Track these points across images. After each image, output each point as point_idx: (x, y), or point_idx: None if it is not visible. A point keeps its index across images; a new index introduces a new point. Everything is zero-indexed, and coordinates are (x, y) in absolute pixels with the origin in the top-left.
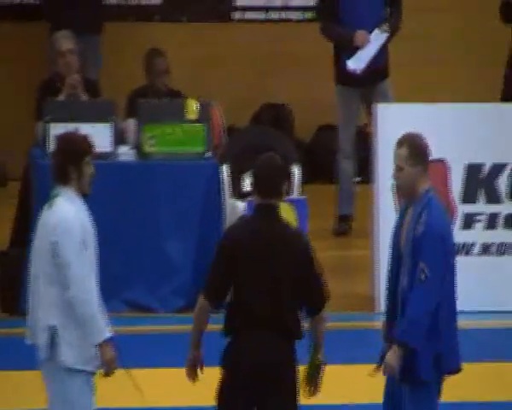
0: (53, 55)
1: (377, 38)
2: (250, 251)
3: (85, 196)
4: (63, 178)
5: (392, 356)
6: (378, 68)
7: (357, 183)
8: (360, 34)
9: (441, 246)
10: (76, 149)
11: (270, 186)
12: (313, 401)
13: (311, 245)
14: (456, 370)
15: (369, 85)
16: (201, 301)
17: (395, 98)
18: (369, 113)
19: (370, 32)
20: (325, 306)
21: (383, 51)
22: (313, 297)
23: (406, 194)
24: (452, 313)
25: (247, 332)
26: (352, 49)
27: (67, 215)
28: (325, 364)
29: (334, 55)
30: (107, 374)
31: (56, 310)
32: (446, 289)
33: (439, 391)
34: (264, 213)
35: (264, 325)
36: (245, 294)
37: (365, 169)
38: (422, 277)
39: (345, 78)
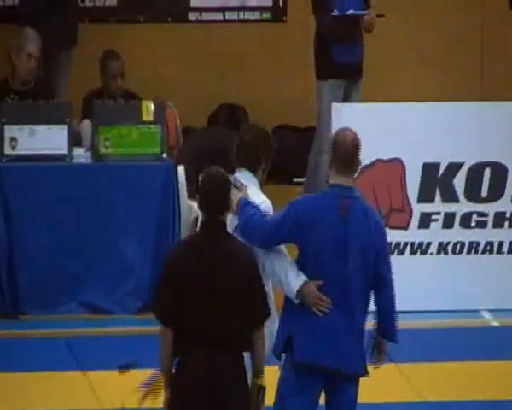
0: (16, 49)
1: None
2: (193, 270)
3: None
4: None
5: None
6: (360, 64)
7: None
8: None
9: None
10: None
11: (215, 204)
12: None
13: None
14: (317, 365)
15: (352, 80)
16: (160, 329)
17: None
18: None
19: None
20: (265, 321)
21: (363, 49)
22: (255, 310)
23: None
24: None
25: (195, 352)
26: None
27: None
28: (264, 388)
29: (321, 49)
30: None
31: None
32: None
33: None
34: (210, 229)
35: (212, 343)
36: (190, 314)
37: None
38: None
39: (336, 71)
